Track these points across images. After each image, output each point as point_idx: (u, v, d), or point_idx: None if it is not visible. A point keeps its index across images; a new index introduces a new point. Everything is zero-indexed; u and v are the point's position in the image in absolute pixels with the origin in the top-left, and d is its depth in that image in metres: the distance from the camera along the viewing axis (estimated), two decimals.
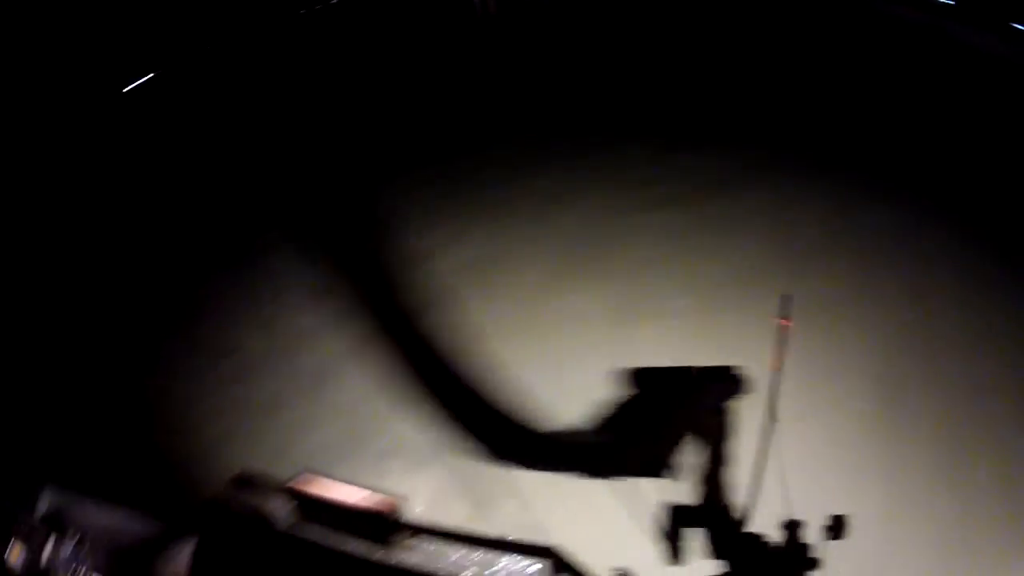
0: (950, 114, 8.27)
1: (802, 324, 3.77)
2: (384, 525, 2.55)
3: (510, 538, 2.27)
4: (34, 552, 4.26)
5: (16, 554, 4.28)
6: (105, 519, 4.23)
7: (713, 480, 3.81)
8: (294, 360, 5.78)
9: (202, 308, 6.56)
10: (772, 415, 3.20)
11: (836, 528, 2.63)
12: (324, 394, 5.28)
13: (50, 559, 4.24)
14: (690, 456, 4.20)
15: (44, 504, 4.40)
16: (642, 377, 4.84)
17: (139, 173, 8.40)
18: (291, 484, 2.58)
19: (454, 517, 3.40)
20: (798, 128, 8.19)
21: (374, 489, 2.66)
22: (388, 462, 4.54)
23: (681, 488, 3.98)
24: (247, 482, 2.65)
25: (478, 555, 4.14)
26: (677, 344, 5.42)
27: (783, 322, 3.03)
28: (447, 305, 6.16)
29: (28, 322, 6.53)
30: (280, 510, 2.80)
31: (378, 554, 2.63)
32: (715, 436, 4.04)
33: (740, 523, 3.18)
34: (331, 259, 6.94)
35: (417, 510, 4.28)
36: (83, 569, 4.25)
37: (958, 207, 6.93)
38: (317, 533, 2.67)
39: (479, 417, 4.83)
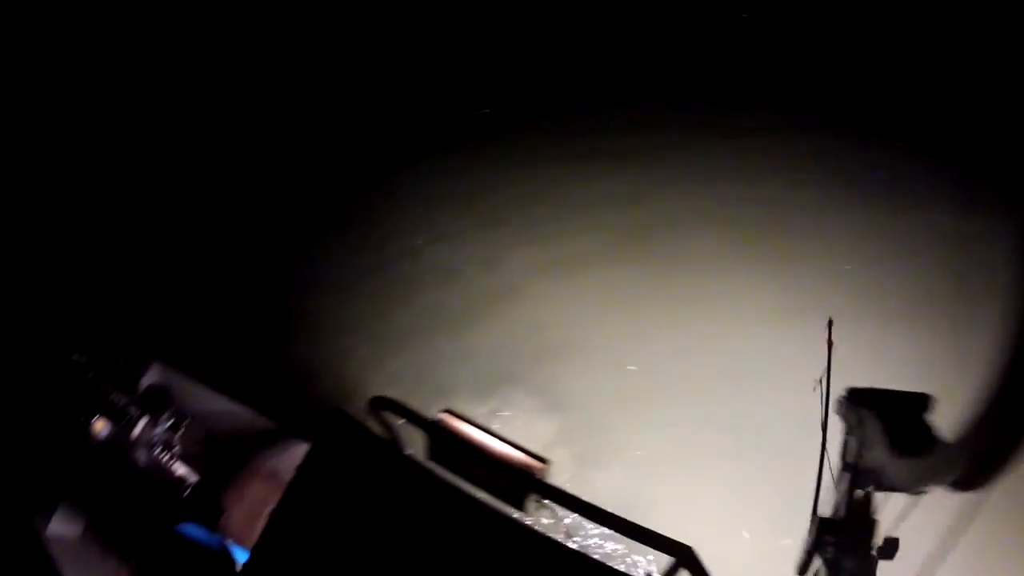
0: None
1: None
2: (526, 484, 2.38)
3: (648, 527, 2.08)
4: (122, 427, 4.32)
5: (100, 426, 4.32)
6: (208, 405, 4.22)
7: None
8: (438, 293, 5.73)
9: (351, 222, 6.53)
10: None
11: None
12: (464, 333, 5.19)
13: (140, 436, 4.29)
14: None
15: (148, 380, 4.44)
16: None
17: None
18: (434, 418, 2.43)
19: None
20: None
21: (521, 446, 2.49)
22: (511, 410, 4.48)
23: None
24: (382, 405, 2.51)
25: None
26: None
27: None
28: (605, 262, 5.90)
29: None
30: (413, 440, 2.66)
31: (512, 512, 2.48)
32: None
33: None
34: (490, 195, 6.75)
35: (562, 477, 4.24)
36: (173, 451, 4.28)
37: None
38: (450, 474, 2.52)
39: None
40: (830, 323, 3.24)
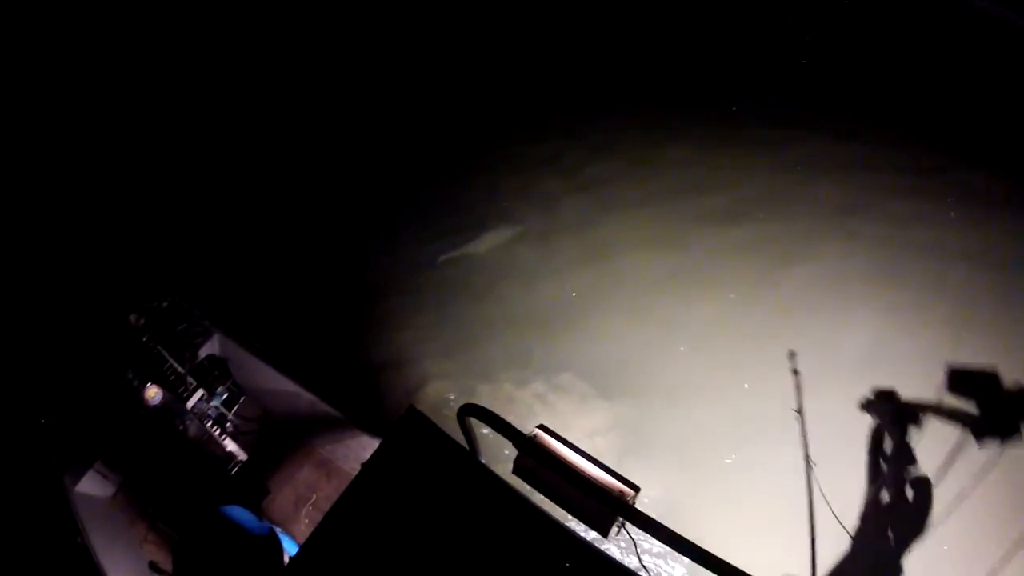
0: None
1: None
2: (612, 508, 2.21)
3: (731, 561, 1.89)
4: (176, 396, 4.23)
5: (153, 393, 4.23)
6: (267, 384, 4.10)
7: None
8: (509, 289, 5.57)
9: (428, 212, 6.36)
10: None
11: None
12: (532, 341, 5.10)
13: (193, 407, 4.20)
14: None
15: (207, 350, 4.36)
16: None
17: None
18: (529, 433, 2.29)
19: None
20: None
21: (613, 470, 2.32)
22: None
23: None
24: (473, 412, 2.37)
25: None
26: None
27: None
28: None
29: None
30: (498, 450, 2.52)
31: (591, 536, 2.31)
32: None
33: None
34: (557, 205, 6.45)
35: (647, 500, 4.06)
36: (226, 426, 4.19)
37: None
38: (535, 489, 2.36)
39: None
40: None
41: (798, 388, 4.55)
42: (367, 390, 4.81)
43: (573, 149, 6.80)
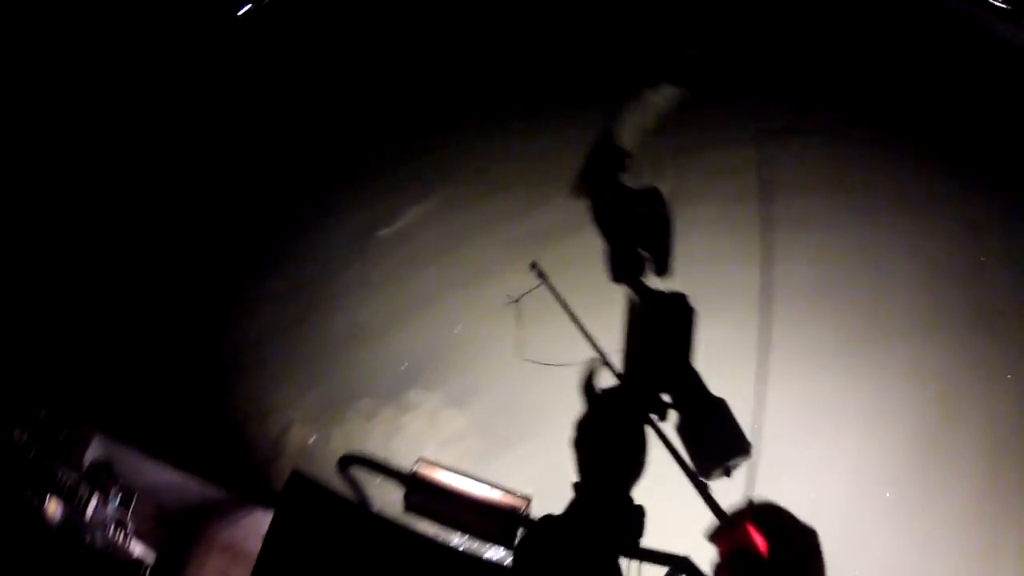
0: None
1: None
2: (510, 522, 2.19)
3: (641, 544, 1.90)
4: (75, 507, 4.01)
5: (54, 508, 4.01)
6: (154, 477, 3.94)
7: None
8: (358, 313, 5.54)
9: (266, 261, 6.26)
10: None
11: None
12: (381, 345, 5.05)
13: (93, 516, 3.97)
14: None
15: (91, 455, 4.12)
16: None
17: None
18: (411, 470, 2.24)
19: None
20: None
21: (500, 485, 2.31)
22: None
23: None
24: (353, 462, 2.32)
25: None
26: None
27: None
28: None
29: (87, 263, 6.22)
30: (386, 493, 2.46)
31: (497, 552, 2.30)
32: None
33: None
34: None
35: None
36: (127, 528, 3.99)
37: None
38: (431, 523, 2.33)
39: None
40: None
41: None
42: (244, 458, 4.67)
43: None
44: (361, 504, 2.43)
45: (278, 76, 8.25)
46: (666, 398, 1.28)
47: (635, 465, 1.23)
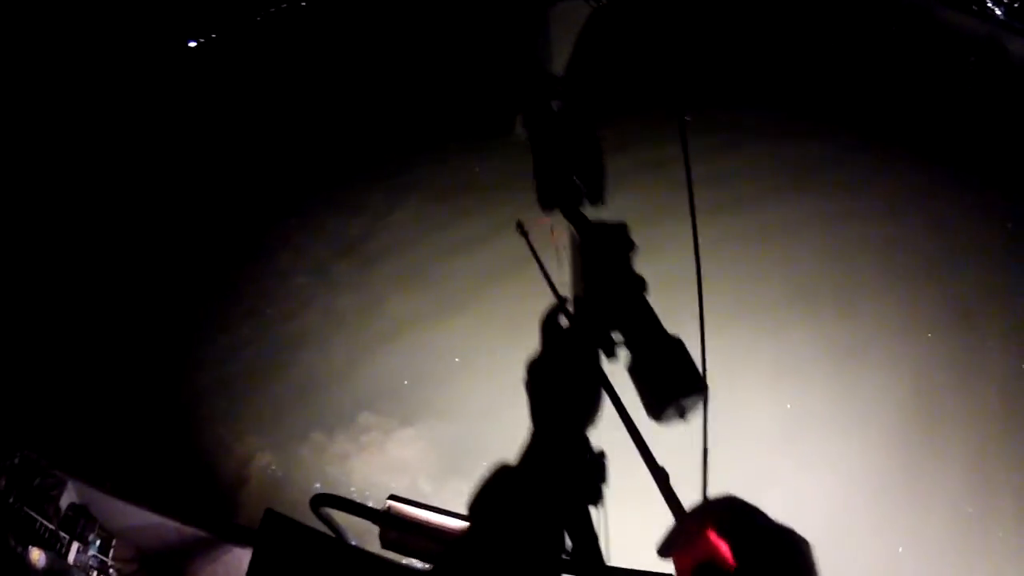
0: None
1: None
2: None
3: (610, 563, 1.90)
4: (57, 553, 3.94)
5: (36, 556, 3.95)
6: (132, 520, 3.87)
7: None
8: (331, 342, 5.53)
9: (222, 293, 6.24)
10: None
11: None
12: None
13: (75, 560, 3.92)
14: None
15: (67, 500, 4.06)
16: None
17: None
18: (383, 506, 2.24)
19: None
20: None
21: (465, 515, 2.31)
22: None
23: None
24: (325, 501, 2.31)
25: None
26: None
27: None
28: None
29: (48, 310, 6.12)
30: (360, 530, 2.46)
31: None
32: None
33: None
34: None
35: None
36: (110, 572, 3.93)
37: None
38: (406, 558, 2.33)
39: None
40: None
41: None
42: (217, 496, 4.63)
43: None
44: (338, 539, 2.43)
45: (233, 110, 8.32)
46: (616, 336, 1.16)
47: (589, 408, 1.12)
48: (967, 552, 4.15)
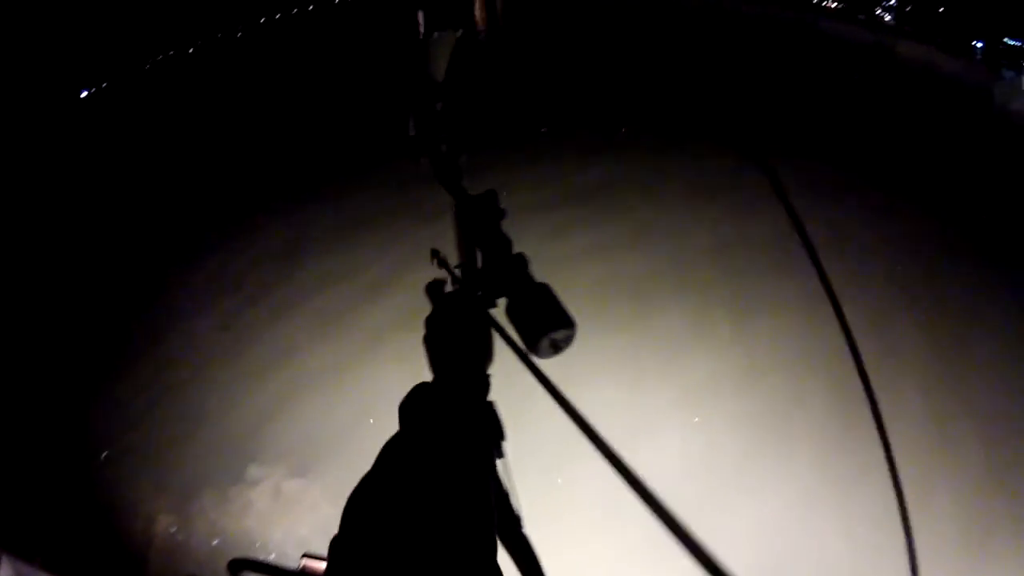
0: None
1: None
2: None
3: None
4: None
5: None
6: None
7: None
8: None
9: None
10: None
11: None
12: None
13: None
14: None
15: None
16: None
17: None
18: (298, 566, 2.21)
19: None
20: None
21: None
22: None
23: None
24: (243, 566, 2.27)
25: None
26: None
27: None
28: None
29: None
30: None
31: None
32: None
33: None
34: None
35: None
36: None
37: None
38: None
39: None
40: None
41: None
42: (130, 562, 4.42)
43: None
44: None
45: (126, 152, 8.29)
46: (494, 288, 1.38)
47: (481, 357, 1.23)
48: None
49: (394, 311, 5.81)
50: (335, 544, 0.82)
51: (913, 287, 5.96)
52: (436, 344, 1.24)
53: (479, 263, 1.46)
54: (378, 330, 5.73)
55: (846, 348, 4.92)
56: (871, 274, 6.12)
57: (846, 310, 5.20)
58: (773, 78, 9.16)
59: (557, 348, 1.25)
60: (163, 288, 6.54)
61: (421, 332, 1.34)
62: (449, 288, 1.46)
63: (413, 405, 1.05)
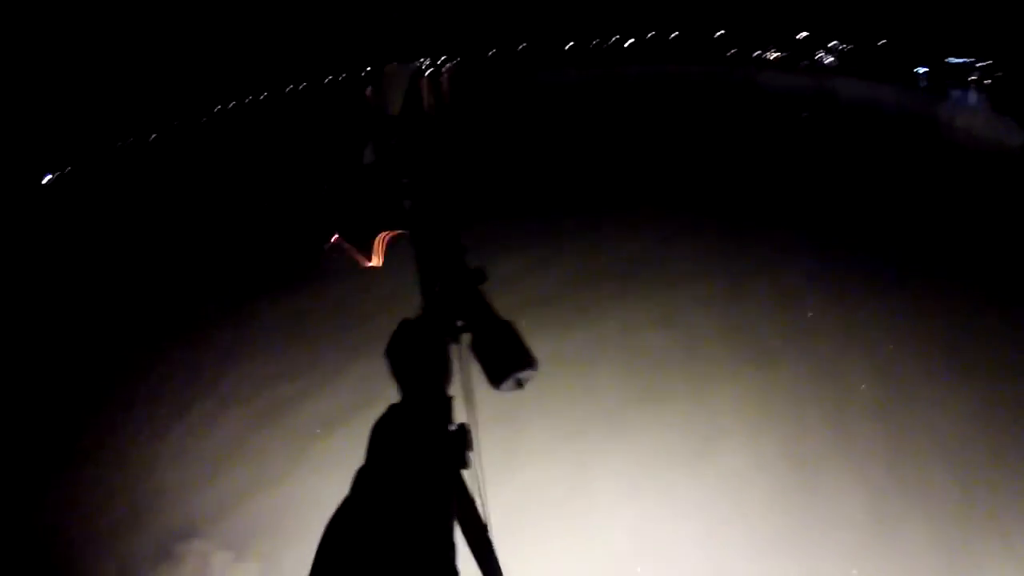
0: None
1: None
2: None
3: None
4: None
5: None
6: None
7: None
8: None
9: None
10: None
11: None
12: None
13: None
14: None
15: None
16: None
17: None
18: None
19: None
20: None
21: None
22: None
23: None
24: None
25: None
26: None
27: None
28: None
29: None
30: None
31: None
32: None
33: None
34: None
35: None
36: None
37: None
38: None
39: None
40: None
41: None
42: None
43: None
44: None
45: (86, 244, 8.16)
46: (459, 323, 1.36)
47: (442, 381, 1.27)
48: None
49: (333, 406, 5.70)
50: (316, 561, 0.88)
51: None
52: (399, 366, 1.29)
53: (440, 290, 1.48)
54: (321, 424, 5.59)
55: None
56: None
57: None
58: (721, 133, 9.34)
59: (521, 384, 1.27)
60: (121, 378, 6.45)
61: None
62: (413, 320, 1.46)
63: (381, 426, 1.12)
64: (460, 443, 1.20)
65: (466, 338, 1.33)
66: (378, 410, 1.28)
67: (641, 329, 6.28)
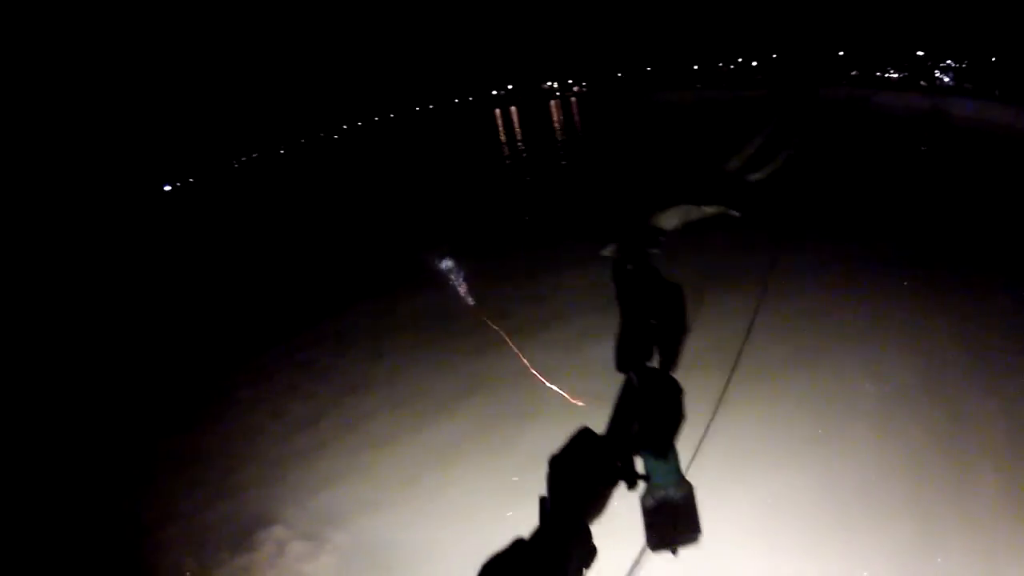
0: None
1: None
2: None
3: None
4: None
5: None
6: None
7: None
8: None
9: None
10: None
11: None
12: None
13: None
14: None
15: None
16: None
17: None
18: None
19: None
20: None
21: None
22: None
23: None
24: None
25: None
26: None
27: None
28: None
29: None
30: None
31: None
32: None
33: None
34: None
35: None
36: None
37: None
38: None
39: None
40: None
41: None
42: None
43: None
44: None
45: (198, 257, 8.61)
46: (639, 471, 1.24)
47: (597, 505, 1.19)
48: None
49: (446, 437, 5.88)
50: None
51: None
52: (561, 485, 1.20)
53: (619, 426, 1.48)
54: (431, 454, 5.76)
55: None
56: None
57: None
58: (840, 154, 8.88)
59: (674, 552, 1.20)
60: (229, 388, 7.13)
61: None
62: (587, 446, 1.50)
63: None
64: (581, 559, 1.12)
65: (641, 489, 1.21)
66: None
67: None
